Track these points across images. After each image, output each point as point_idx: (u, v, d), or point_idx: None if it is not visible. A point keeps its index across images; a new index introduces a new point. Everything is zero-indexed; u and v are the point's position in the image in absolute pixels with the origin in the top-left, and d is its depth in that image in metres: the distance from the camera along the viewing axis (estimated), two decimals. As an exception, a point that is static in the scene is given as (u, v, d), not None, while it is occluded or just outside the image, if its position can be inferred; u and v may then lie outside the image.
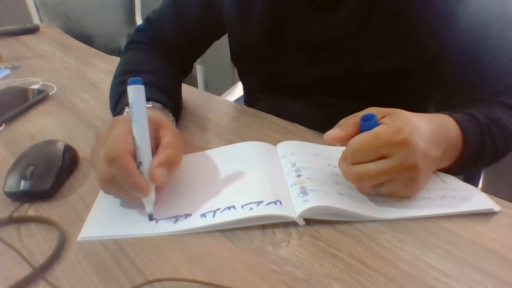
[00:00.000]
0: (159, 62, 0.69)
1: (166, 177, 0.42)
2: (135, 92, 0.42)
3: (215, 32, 0.76)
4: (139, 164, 0.42)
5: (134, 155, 0.42)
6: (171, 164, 0.43)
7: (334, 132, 0.44)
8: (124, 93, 0.59)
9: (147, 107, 0.53)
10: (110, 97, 0.65)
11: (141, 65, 0.68)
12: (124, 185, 0.40)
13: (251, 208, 0.42)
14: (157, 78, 0.63)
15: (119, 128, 0.43)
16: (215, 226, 0.41)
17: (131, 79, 0.43)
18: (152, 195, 0.42)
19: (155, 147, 0.44)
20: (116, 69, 0.69)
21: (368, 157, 0.41)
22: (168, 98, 0.60)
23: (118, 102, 0.60)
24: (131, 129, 0.42)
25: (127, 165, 0.40)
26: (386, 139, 0.41)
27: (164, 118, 0.50)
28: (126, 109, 0.54)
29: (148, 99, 0.54)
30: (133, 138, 0.42)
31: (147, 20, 0.77)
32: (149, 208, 0.43)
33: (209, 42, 0.78)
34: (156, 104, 0.56)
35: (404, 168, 0.41)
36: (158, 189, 0.43)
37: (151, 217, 0.43)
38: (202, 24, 0.73)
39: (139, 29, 0.77)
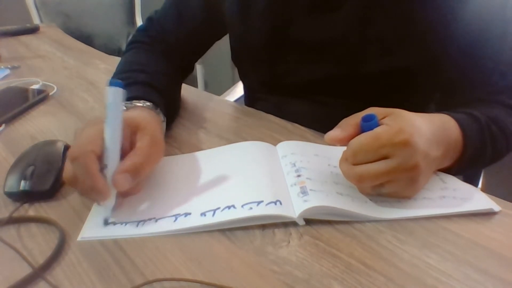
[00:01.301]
0: (159, 62, 0.69)
1: (130, 184, 0.42)
2: (113, 94, 0.42)
3: (216, 32, 0.77)
4: (104, 167, 0.41)
5: (101, 157, 0.42)
6: (136, 172, 0.42)
7: (335, 133, 0.44)
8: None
9: (136, 106, 0.53)
10: None
11: (138, 65, 0.67)
12: (84, 185, 0.41)
13: (251, 208, 0.42)
14: (152, 77, 0.62)
15: (91, 128, 0.43)
16: (215, 225, 0.41)
17: (111, 80, 0.42)
18: (112, 200, 0.42)
19: (129, 150, 0.44)
20: (116, 68, 0.70)
21: (369, 158, 0.41)
22: (161, 98, 0.59)
23: None
24: (105, 132, 0.42)
25: (89, 165, 0.40)
26: (387, 139, 0.41)
27: (147, 120, 0.48)
28: (128, 104, 0.54)
29: (139, 98, 0.55)
30: (104, 140, 0.42)
31: (149, 20, 0.77)
32: (105, 213, 0.42)
33: (210, 42, 0.78)
34: (147, 103, 0.55)
35: (404, 168, 0.41)
36: (123, 194, 0.43)
37: (106, 222, 0.42)
38: (203, 24, 0.73)
39: (141, 29, 0.77)
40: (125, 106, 0.53)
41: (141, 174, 0.43)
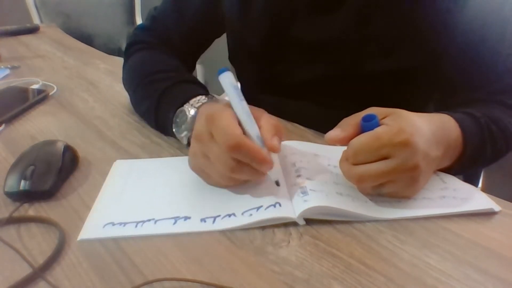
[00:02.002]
0: (178, 61, 0.70)
1: (280, 144, 0.44)
2: (228, 79, 0.46)
3: (217, 29, 0.76)
4: (257, 139, 0.44)
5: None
6: (280, 132, 0.45)
7: (335, 133, 0.44)
8: (167, 89, 0.59)
9: (207, 101, 0.54)
10: (145, 95, 0.63)
11: (168, 65, 0.68)
12: (254, 164, 0.42)
13: (251, 214, 0.42)
14: (188, 75, 0.65)
15: (221, 119, 0.43)
16: (214, 230, 0.41)
17: (221, 68, 0.46)
18: (277, 163, 0.45)
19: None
20: (132, 69, 0.69)
21: (369, 158, 0.41)
22: (205, 89, 0.61)
23: (161, 99, 0.59)
24: (237, 110, 0.44)
25: (251, 145, 0.41)
26: (387, 140, 0.41)
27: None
28: (187, 107, 0.54)
29: (195, 95, 0.55)
30: (242, 117, 0.44)
31: (152, 18, 0.76)
32: (274, 176, 0.45)
33: (211, 39, 0.78)
34: (202, 97, 0.55)
35: (405, 168, 0.41)
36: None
37: (278, 183, 0.45)
38: (204, 22, 0.73)
39: (144, 28, 0.76)
40: (195, 107, 0.53)
41: (282, 132, 0.46)
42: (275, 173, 0.45)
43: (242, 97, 0.46)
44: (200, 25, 0.73)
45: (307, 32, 0.63)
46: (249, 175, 0.44)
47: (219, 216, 0.43)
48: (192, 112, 0.53)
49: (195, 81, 0.62)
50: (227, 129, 0.42)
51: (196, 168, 0.47)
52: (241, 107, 0.45)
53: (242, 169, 0.43)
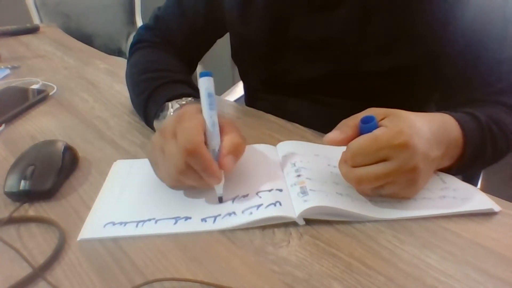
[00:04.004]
0: (177, 61, 0.71)
1: (234, 164, 0.45)
2: (207, 84, 0.46)
3: (219, 29, 0.77)
4: (212, 152, 0.44)
5: (206, 144, 0.44)
6: (237, 152, 0.45)
7: (333, 135, 0.44)
8: (157, 90, 0.60)
9: (191, 102, 0.56)
10: (136, 93, 0.65)
11: (166, 64, 0.68)
12: (203, 174, 0.43)
13: (251, 213, 0.42)
14: (184, 76, 0.65)
15: (189, 121, 0.44)
16: (215, 230, 0.41)
17: (202, 72, 0.46)
18: (223, 180, 0.44)
19: None
20: (132, 66, 0.70)
21: (368, 160, 0.41)
22: (196, 92, 0.61)
23: (150, 98, 0.60)
24: (205, 119, 0.45)
25: (207, 156, 0.42)
26: (386, 141, 0.41)
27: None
28: (169, 105, 0.56)
29: (186, 95, 0.57)
30: (207, 127, 0.44)
31: (155, 18, 0.76)
32: (219, 192, 0.45)
33: (213, 39, 0.79)
34: (188, 99, 0.57)
35: (404, 170, 0.41)
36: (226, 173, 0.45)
37: (221, 199, 0.45)
38: (206, 22, 0.73)
39: (147, 28, 0.77)
40: (178, 104, 0.55)
41: (241, 154, 0.46)
42: (221, 189, 0.45)
43: (214, 107, 0.45)
44: (202, 26, 0.74)
45: (307, 31, 0.63)
46: (195, 182, 0.44)
47: (219, 215, 0.43)
48: (175, 107, 0.55)
49: (186, 81, 0.63)
50: (190, 133, 0.42)
51: (150, 157, 0.48)
52: (209, 117, 0.45)
53: (189, 175, 0.43)
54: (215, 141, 0.45)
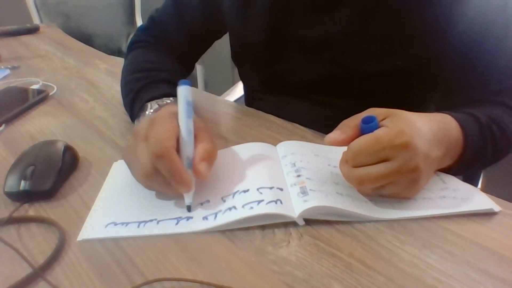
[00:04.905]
0: (168, 61, 0.71)
1: (209, 171, 0.44)
2: (185, 92, 0.46)
3: (217, 30, 0.77)
4: (186, 160, 0.44)
5: (177, 150, 0.43)
6: (211, 158, 0.45)
7: (334, 135, 0.44)
8: (142, 89, 0.60)
9: (173, 102, 0.56)
10: (123, 94, 0.66)
11: (152, 63, 0.69)
12: (171, 180, 0.42)
13: (251, 207, 0.42)
14: (170, 75, 0.65)
15: (161, 125, 0.44)
16: (216, 228, 0.41)
17: (181, 80, 0.47)
18: (193, 187, 0.44)
19: None
20: (125, 66, 0.70)
21: (369, 160, 0.41)
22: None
23: (135, 99, 0.60)
24: (181, 126, 0.45)
25: (175, 161, 0.41)
26: (387, 142, 0.41)
27: (194, 115, 0.51)
28: (149, 106, 0.56)
29: (166, 95, 0.57)
30: (182, 134, 0.44)
31: (151, 19, 0.77)
32: (188, 200, 0.44)
33: (210, 40, 0.79)
34: (170, 99, 0.57)
35: (405, 170, 0.41)
36: (200, 180, 0.45)
37: (189, 208, 0.44)
38: (203, 23, 0.73)
39: (143, 28, 0.78)
40: (158, 104, 0.56)
41: (214, 160, 0.46)
42: (190, 198, 0.44)
43: (191, 115, 0.45)
44: (199, 27, 0.74)
45: (307, 31, 0.63)
46: (163, 187, 0.44)
47: (220, 211, 0.43)
48: (154, 107, 0.55)
49: (170, 80, 0.63)
50: (160, 137, 0.42)
51: (125, 158, 0.48)
52: (185, 124, 0.45)
53: (157, 179, 0.43)
54: (189, 149, 0.44)
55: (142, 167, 0.43)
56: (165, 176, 0.42)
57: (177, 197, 0.45)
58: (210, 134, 0.47)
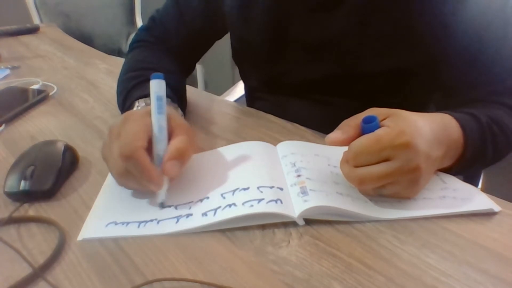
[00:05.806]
0: (166, 60, 0.71)
1: (179, 170, 0.44)
2: (158, 86, 0.45)
3: (217, 31, 0.77)
4: (156, 157, 0.43)
5: (149, 148, 0.43)
6: (182, 157, 0.45)
7: (335, 135, 0.44)
8: (133, 88, 0.61)
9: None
10: (117, 93, 0.66)
11: (149, 63, 0.69)
12: (140, 179, 0.42)
13: (251, 205, 0.42)
14: (164, 75, 0.64)
15: (132, 124, 0.44)
16: (216, 225, 0.41)
17: (154, 74, 0.45)
18: (166, 185, 0.44)
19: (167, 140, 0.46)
20: (123, 66, 0.70)
21: (370, 160, 0.41)
22: (175, 93, 0.61)
23: (127, 97, 0.61)
24: (152, 122, 0.44)
25: (143, 161, 0.42)
26: (388, 142, 0.41)
27: (174, 113, 0.51)
28: (136, 104, 0.56)
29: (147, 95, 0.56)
30: (154, 131, 0.44)
31: (152, 19, 0.77)
32: (160, 198, 0.44)
33: (211, 41, 0.79)
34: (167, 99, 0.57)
35: (406, 170, 0.41)
36: (171, 178, 0.45)
37: (162, 205, 0.44)
38: (204, 23, 0.73)
39: (144, 28, 0.78)
40: (145, 102, 0.55)
41: (186, 159, 0.46)
42: (163, 195, 0.44)
43: (163, 111, 0.45)
44: (200, 27, 0.74)
45: (308, 31, 0.63)
46: (135, 186, 0.44)
47: (219, 207, 0.43)
48: (141, 105, 0.55)
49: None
50: (130, 137, 0.42)
51: (102, 155, 0.48)
52: (157, 120, 0.44)
53: (128, 178, 0.43)
54: (160, 146, 0.44)
55: (114, 166, 0.43)
56: (136, 175, 0.42)
57: (152, 195, 0.46)
58: (187, 130, 0.47)
